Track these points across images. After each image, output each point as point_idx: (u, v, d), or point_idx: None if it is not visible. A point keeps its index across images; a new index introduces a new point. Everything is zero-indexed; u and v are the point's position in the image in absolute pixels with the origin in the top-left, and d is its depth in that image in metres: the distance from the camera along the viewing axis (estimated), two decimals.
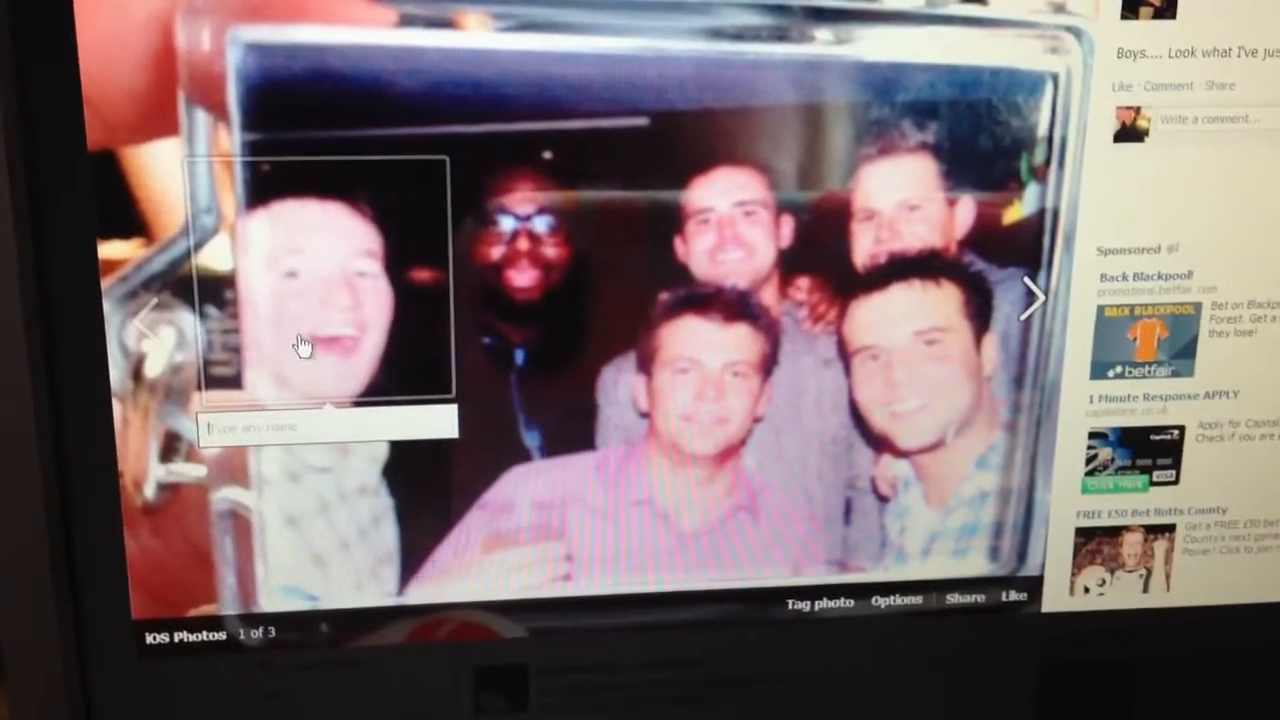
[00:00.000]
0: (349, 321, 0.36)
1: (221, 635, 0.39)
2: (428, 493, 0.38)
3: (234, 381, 0.36)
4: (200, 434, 0.37)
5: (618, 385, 0.38)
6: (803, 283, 0.38)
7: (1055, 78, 0.37)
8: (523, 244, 0.37)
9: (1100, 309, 0.39)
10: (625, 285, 0.38)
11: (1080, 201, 0.38)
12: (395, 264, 0.36)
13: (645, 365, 0.38)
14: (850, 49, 0.36)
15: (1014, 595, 0.42)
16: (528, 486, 0.39)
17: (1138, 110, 0.38)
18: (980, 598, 0.42)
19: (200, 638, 0.38)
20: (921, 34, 0.36)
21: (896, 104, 0.37)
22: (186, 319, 0.36)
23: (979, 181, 0.38)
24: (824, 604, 0.41)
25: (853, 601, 0.41)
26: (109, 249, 0.35)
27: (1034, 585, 0.42)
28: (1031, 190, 0.38)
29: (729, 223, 0.37)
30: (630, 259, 0.37)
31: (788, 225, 0.38)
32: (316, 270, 0.36)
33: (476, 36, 0.35)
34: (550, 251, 0.37)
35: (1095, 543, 0.42)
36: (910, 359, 0.39)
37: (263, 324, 0.36)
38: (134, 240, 0.35)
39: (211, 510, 0.37)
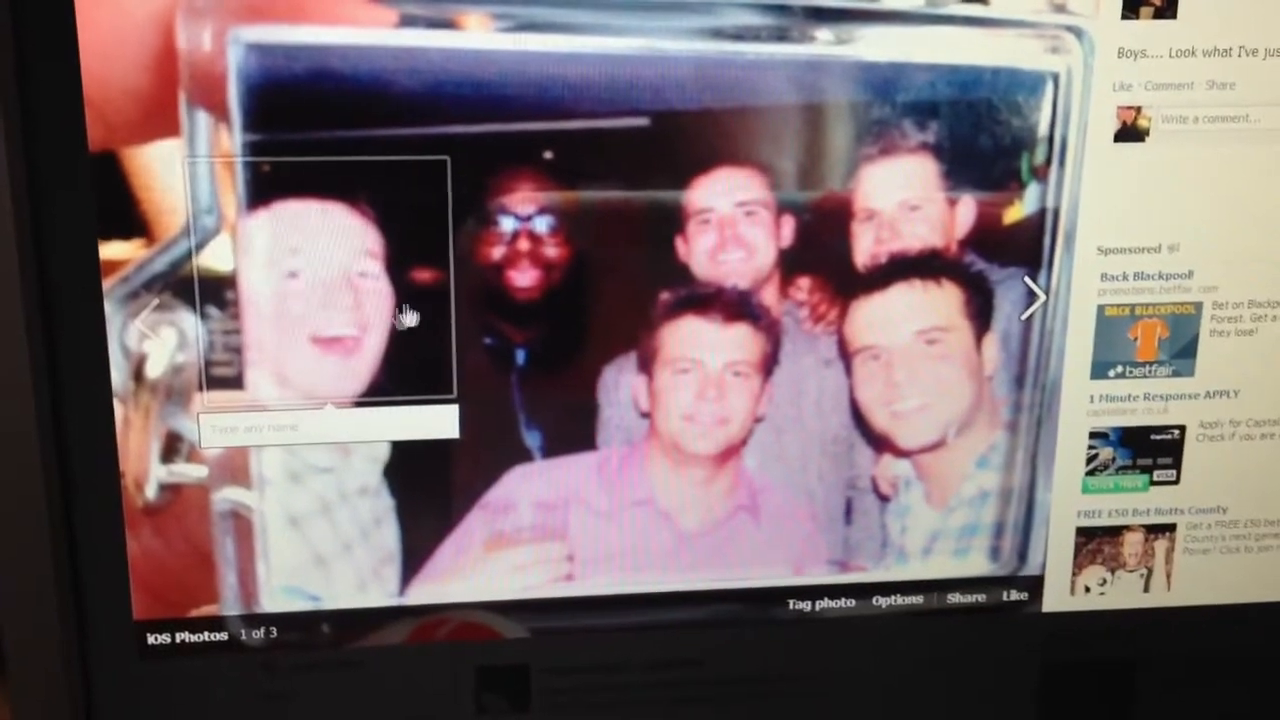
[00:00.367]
0: (350, 322, 0.36)
1: (223, 636, 0.39)
2: (429, 493, 0.38)
3: (235, 382, 0.36)
4: (202, 434, 0.37)
5: (619, 385, 0.38)
6: (803, 282, 0.38)
7: (1056, 77, 0.37)
8: (523, 244, 0.37)
9: (1101, 309, 0.40)
10: (626, 285, 0.38)
11: (1081, 201, 0.38)
12: (396, 264, 0.36)
13: (646, 365, 0.38)
14: (851, 49, 0.36)
15: (1015, 595, 0.42)
16: (529, 486, 0.39)
17: (1138, 110, 0.38)
18: (981, 597, 0.42)
19: (202, 638, 0.38)
20: (922, 34, 0.36)
21: (897, 104, 0.37)
22: (188, 320, 0.36)
23: (979, 181, 0.38)
24: (825, 604, 0.41)
25: (854, 601, 0.41)
26: (110, 249, 0.35)
27: (1035, 585, 0.42)
28: (1032, 190, 0.38)
29: (730, 223, 0.37)
30: (631, 259, 0.37)
31: (788, 225, 0.38)
32: (318, 271, 0.36)
33: (477, 37, 0.35)
34: (551, 251, 0.37)
35: (1096, 542, 0.42)
36: (911, 359, 0.39)
37: (264, 324, 0.36)
38: (135, 241, 0.35)
39: (213, 511, 0.37)
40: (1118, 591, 0.42)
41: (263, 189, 0.35)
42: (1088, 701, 0.43)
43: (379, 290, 0.36)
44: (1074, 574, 0.42)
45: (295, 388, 0.37)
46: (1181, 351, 0.40)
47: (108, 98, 0.34)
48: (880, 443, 0.40)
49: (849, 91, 0.37)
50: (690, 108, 0.36)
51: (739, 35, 0.36)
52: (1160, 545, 0.42)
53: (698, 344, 0.38)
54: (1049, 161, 0.38)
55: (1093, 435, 0.41)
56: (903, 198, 0.38)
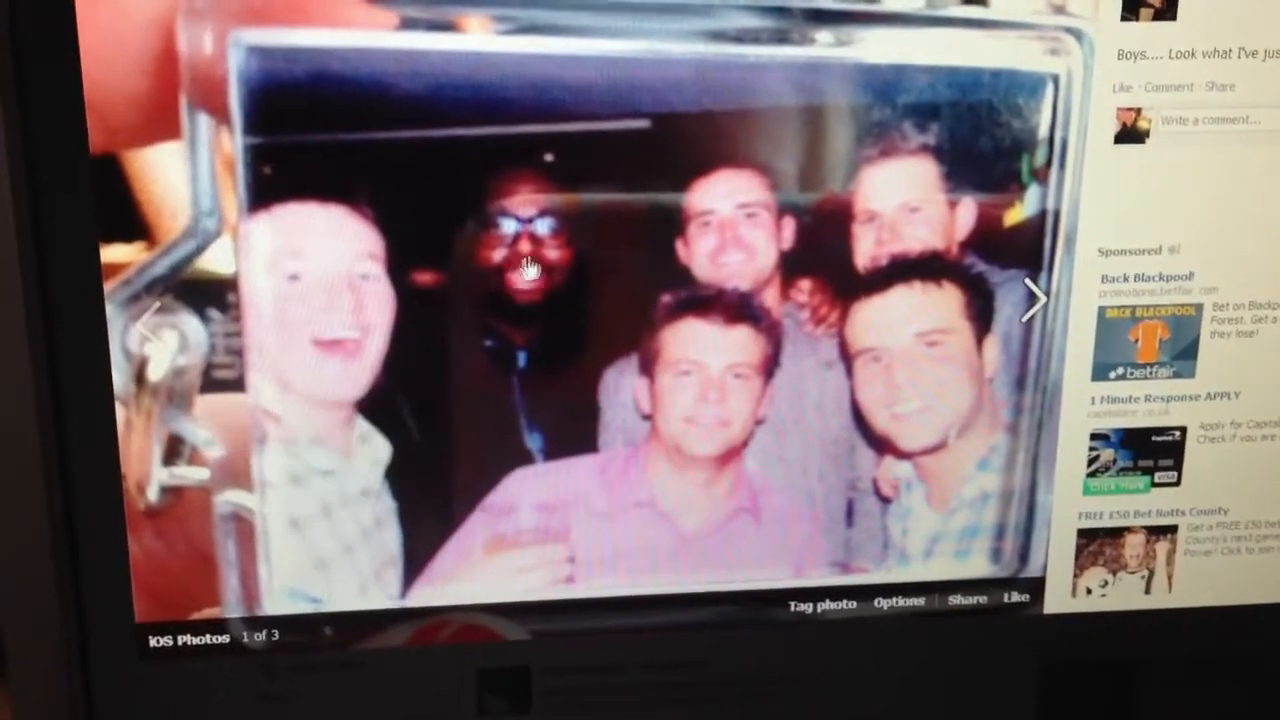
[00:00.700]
0: (351, 324, 0.36)
1: (224, 638, 0.39)
2: (430, 495, 0.38)
3: (237, 385, 0.36)
4: (202, 437, 0.37)
5: (620, 387, 0.38)
6: (804, 285, 0.38)
7: (1056, 79, 0.37)
8: (524, 246, 0.37)
9: (1101, 310, 0.39)
10: (627, 287, 0.38)
11: (1081, 203, 0.38)
12: (397, 266, 0.36)
13: (647, 367, 0.38)
14: (851, 51, 0.36)
15: (1016, 596, 0.42)
16: (530, 489, 0.39)
17: (1138, 111, 0.38)
18: (982, 599, 0.42)
19: (203, 640, 0.38)
20: (922, 36, 0.36)
21: (897, 106, 0.37)
22: (189, 322, 0.36)
23: (980, 183, 0.38)
24: (826, 605, 0.41)
25: (855, 603, 0.41)
26: (111, 252, 0.35)
27: (1036, 586, 0.42)
28: (1032, 192, 0.38)
29: (730, 225, 0.37)
30: (632, 261, 0.37)
31: (789, 227, 0.38)
32: (319, 273, 0.36)
33: (477, 39, 0.35)
34: (552, 254, 0.37)
35: (1097, 544, 0.42)
36: (912, 361, 0.39)
37: (265, 327, 0.36)
38: (136, 244, 0.35)
39: (214, 513, 0.37)
40: (1119, 593, 0.42)
41: (264, 191, 0.35)
42: (1089, 703, 0.43)
43: (380, 293, 0.36)
44: (1075, 575, 0.42)
45: (297, 391, 0.37)
46: (1182, 353, 0.40)
47: (108, 100, 0.34)
48: (881, 444, 0.40)
49: (849, 93, 0.37)
50: (691, 110, 0.36)
51: (739, 37, 0.36)
52: (1161, 547, 0.42)
53: (699, 346, 0.38)
54: (1049, 163, 0.38)
55: (1094, 437, 0.41)
56: (903, 200, 0.38)
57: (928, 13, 0.36)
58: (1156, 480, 0.41)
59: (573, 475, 0.39)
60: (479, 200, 0.36)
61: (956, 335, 0.39)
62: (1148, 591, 0.42)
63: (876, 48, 0.36)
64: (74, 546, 0.37)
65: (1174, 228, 0.39)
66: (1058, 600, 0.42)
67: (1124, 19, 0.37)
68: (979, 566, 0.41)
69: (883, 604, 0.41)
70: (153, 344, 0.36)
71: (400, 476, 0.38)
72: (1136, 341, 0.40)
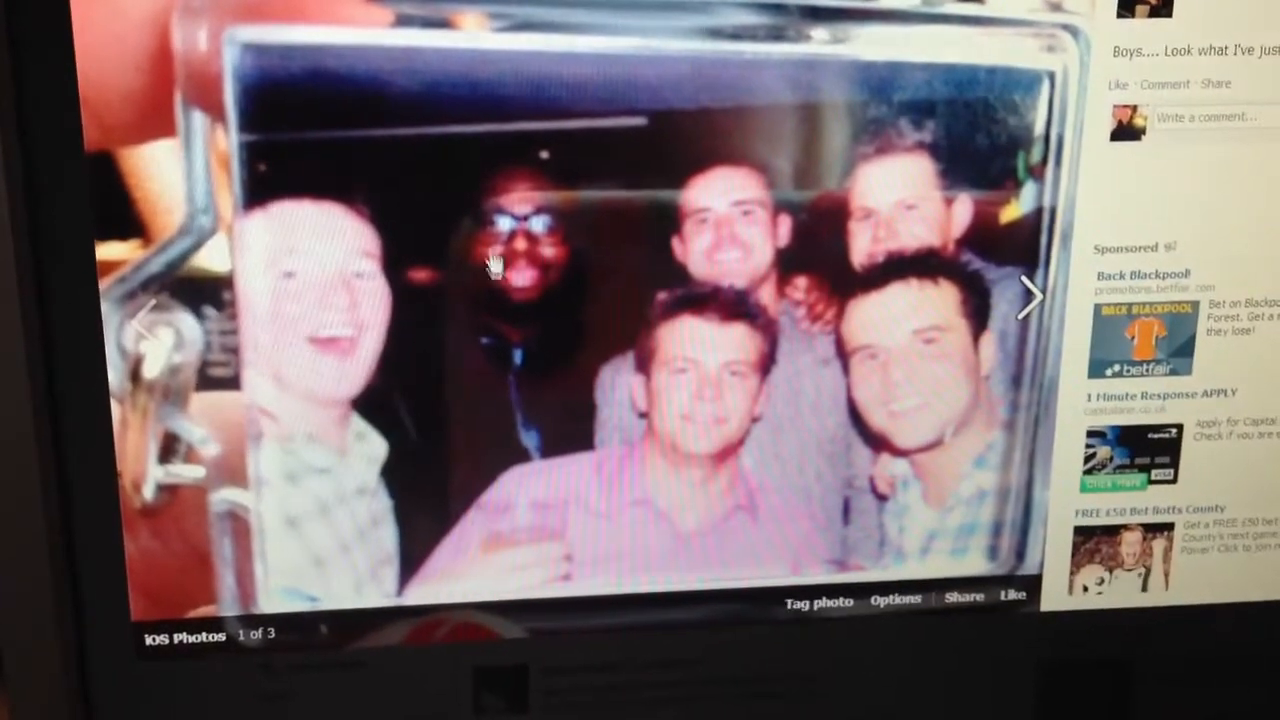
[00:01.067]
0: (347, 322, 0.36)
1: (221, 636, 0.39)
2: (426, 493, 0.38)
3: (232, 383, 0.36)
4: (198, 435, 0.37)
5: (616, 385, 0.38)
6: (800, 282, 0.38)
7: (1052, 76, 0.37)
8: (520, 244, 0.37)
9: (1098, 307, 0.40)
10: (623, 285, 0.38)
11: (1077, 200, 0.38)
12: (393, 264, 0.36)
13: (643, 365, 0.38)
14: (847, 48, 0.36)
15: (1013, 594, 0.42)
16: (526, 487, 0.39)
17: (1134, 108, 0.38)
18: (979, 597, 0.42)
19: (200, 639, 0.38)
20: (918, 33, 0.36)
21: (893, 103, 0.37)
22: (184, 320, 0.36)
23: (976, 180, 0.38)
24: (823, 603, 0.41)
25: (852, 601, 0.41)
26: (107, 250, 0.35)
27: (1033, 584, 0.42)
28: (1028, 189, 0.38)
29: (726, 222, 0.37)
30: (628, 259, 0.37)
31: (785, 225, 0.38)
32: (314, 270, 0.36)
33: (473, 36, 0.35)
34: (548, 251, 0.37)
35: (1094, 541, 0.42)
36: (908, 358, 0.39)
37: (261, 324, 0.36)
38: (132, 241, 0.35)
39: (210, 511, 0.37)
40: (1116, 590, 0.42)
41: (259, 189, 0.35)
42: (1086, 700, 0.43)
43: (376, 290, 0.36)
44: (1072, 573, 0.42)
45: (292, 388, 0.37)
46: (1179, 350, 0.40)
47: (103, 98, 0.34)
48: (878, 442, 0.40)
49: (845, 91, 0.37)
50: (687, 107, 0.36)
51: (736, 35, 0.36)
52: (1158, 544, 0.42)
53: (695, 344, 0.38)
54: (1045, 160, 0.38)
55: (1090, 434, 0.41)
56: (899, 197, 0.38)
57: (924, 10, 0.36)
58: (1153, 478, 0.41)
59: (569, 473, 0.39)
60: (475, 198, 0.36)
61: (953, 332, 0.39)
62: (1144, 589, 0.42)
63: (872, 45, 0.36)
64: (70, 545, 0.37)
65: (1170, 225, 0.39)
66: (1054, 598, 0.42)
67: (1120, 16, 0.37)
68: (976, 564, 0.41)
69: (879, 602, 0.41)
70: (148, 341, 0.36)
71: (396, 474, 0.38)
72: (1133, 339, 0.40)
